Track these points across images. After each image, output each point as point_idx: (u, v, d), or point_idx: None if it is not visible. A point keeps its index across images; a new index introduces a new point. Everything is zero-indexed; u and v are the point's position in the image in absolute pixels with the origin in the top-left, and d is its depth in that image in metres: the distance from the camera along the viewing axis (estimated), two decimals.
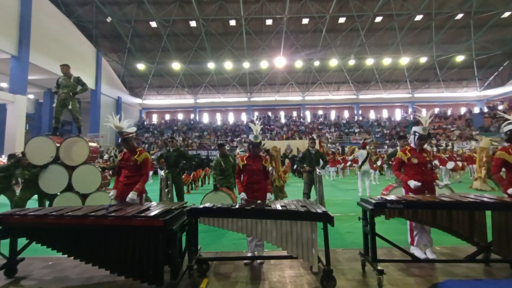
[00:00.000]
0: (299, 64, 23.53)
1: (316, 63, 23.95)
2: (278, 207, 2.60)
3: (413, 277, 2.56)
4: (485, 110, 25.65)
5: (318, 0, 18.74)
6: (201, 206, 2.70)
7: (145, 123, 28.03)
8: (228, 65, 23.15)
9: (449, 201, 2.49)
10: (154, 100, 29.11)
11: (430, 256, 2.89)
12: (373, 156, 8.53)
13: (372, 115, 28.97)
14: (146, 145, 22.55)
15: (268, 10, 19.42)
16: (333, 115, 29.10)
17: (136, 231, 2.32)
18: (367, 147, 8.60)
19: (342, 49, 23.19)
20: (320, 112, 29.28)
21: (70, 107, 5.12)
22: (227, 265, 2.96)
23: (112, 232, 2.37)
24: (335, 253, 3.12)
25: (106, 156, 13.03)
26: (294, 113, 29.12)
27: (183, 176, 6.90)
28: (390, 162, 5.98)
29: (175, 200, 5.36)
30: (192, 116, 29.31)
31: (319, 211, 2.44)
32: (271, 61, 23.26)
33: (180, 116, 29.79)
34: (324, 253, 2.43)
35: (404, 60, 22.77)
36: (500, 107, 24.26)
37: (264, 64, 23.15)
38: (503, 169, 3.03)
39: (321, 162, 5.38)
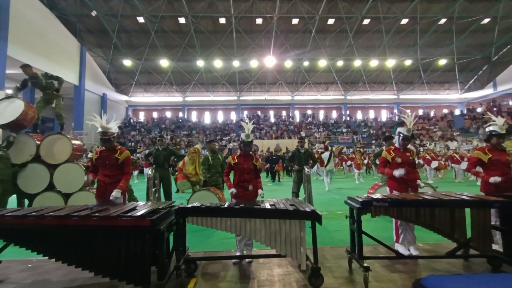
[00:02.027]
0: (288, 63, 23.68)
1: (306, 63, 24.17)
2: (267, 206, 2.61)
3: (397, 273, 2.64)
4: (466, 112, 26.80)
5: (308, 1, 18.89)
6: (190, 205, 2.66)
7: (132, 121, 27.38)
8: (218, 63, 22.98)
9: (432, 199, 2.58)
10: (141, 98, 28.47)
11: (414, 252, 2.98)
12: (334, 158, 9.32)
13: (359, 115, 29.59)
14: (132, 144, 22.03)
15: (258, 9, 19.39)
16: (321, 115, 29.49)
17: (122, 232, 2.26)
18: (329, 148, 9.92)
19: (331, 50, 23.52)
20: (309, 112, 29.61)
21: (53, 104, 4.94)
22: (215, 264, 2.95)
23: (96, 232, 2.29)
24: (323, 251, 3.17)
25: (90, 155, 12.50)
26: (284, 113, 29.30)
27: (177, 173, 6.77)
28: (376, 162, 6.15)
29: (163, 199, 5.28)
30: (180, 114, 28.90)
31: (307, 209, 2.46)
32: (261, 60, 23.27)
33: (168, 114, 29.29)
34: (312, 251, 2.47)
35: (390, 62, 23.39)
36: (479, 109, 25.40)
37: (254, 63, 23.13)
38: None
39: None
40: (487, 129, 3.26)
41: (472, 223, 2.56)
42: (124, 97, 27.56)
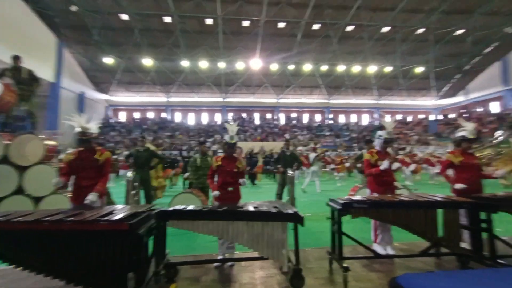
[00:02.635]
0: (274, 66, 23.89)
1: (291, 67, 24.51)
2: (251, 208, 2.61)
3: (375, 273, 2.72)
4: (440, 117, 28.32)
5: (295, 6, 19.21)
6: (171, 208, 2.61)
7: (112, 121, 26.42)
8: (203, 64, 22.75)
9: (408, 201, 2.70)
10: (123, 97, 27.54)
11: (390, 252, 3.09)
12: (319, 160, 9.49)
13: (342, 119, 30.38)
14: (112, 144, 21.25)
15: (245, 12, 19.45)
16: (305, 118, 29.99)
17: (98, 237, 2.16)
18: (317, 150, 10.14)
19: (316, 54, 24.01)
20: (294, 114, 30.00)
21: (26, 102, 4.66)
22: (196, 269, 2.90)
23: (69, 238, 2.18)
24: (304, 253, 3.21)
25: (61, 156, 11.66)
26: (268, 115, 29.49)
27: (162, 172, 6.60)
28: (358, 165, 6.35)
29: (143, 203, 5.12)
30: (163, 115, 28.27)
31: (290, 211, 2.49)
32: (247, 62, 23.32)
33: (151, 115, 28.54)
34: (294, 253, 2.49)
35: (372, 68, 24.23)
36: (452, 115, 26.94)
37: (240, 65, 23.13)
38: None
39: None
40: (457, 134, 3.45)
41: (444, 222, 2.70)
42: (104, 96, 26.55)
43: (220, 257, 3.00)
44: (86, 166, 2.89)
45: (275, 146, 20.31)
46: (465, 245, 2.93)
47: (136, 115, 28.46)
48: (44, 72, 17.59)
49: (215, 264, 2.93)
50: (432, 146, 21.89)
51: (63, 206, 3.39)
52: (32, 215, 2.33)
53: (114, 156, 13.75)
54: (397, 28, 21.19)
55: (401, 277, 2.02)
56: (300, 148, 15.14)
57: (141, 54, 22.34)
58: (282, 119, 29.16)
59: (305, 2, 18.64)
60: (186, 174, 7.19)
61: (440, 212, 2.70)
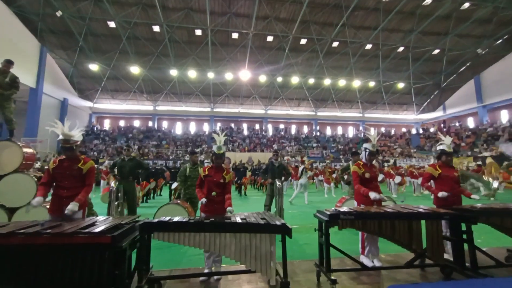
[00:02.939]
0: (263, 78, 24.31)
1: (279, 79, 25.02)
2: (238, 220, 2.57)
3: (362, 285, 2.73)
4: (421, 131, 29.61)
5: (283, 21, 19.85)
6: (156, 220, 2.52)
7: (96, 129, 25.63)
8: (192, 73, 22.79)
9: (392, 212, 2.76)
10: (108, 105, 26.89)
11: (377, 264, 3.12)
12: (307, 172, 9.49)
13: (328, 131, 31.06)
14: (95, 153, 20.54)
15: (234, 24, 19.87)
16: (293, 129, 30.42)
17: (78, 251, 2.05)
18: (305, 162, 10.17)
19: (303, 68, 24.72)
20: (282, 126, 30.37)
21: (2, 107, 4.45)
22: (182, 283, 2.79)
23: (47, 252, 2.05)
24: (292, 265, 3.17)
25: (38, 165, 10.93)
26: (257, 126, 29.69)
27: (142, 183, 6.40)
28: (344, 176, 6.45)
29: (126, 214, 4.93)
30: (150, 123, 27.79)
31: (278, 223, 2.47)
32: (236, 73, 23.60)
33: (137, 123, 27.98)
34: (282, 265, 2.46)
35: (356, 83, 25.17)
36: (432, 129, 28.25)
37: (228, 76, 23.36)
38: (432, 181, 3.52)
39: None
40: (438, 148, 3.62)
41: (427, 234, 2.77)
42: (88, 103, 25.83)
43: (206, 270, 2.91)
44: (67, 175, 2.76)
45: (263, 157, 20.37)
46: (448, 256, 3.01)
47: (122, 123, 27.81)
48: (25, 77, 16.98)
49: (201, 278, 2.84)
50: (415, 158, 22.73)
51: (41, 217, 3.20)
52: (6, 227, 2.19)
53: (101, 166, 13.27)
54: (379, 45, 22.31)
55: None
56: (287, 157, 15.25)
57: (128, 62, 22.10)
58: (270, 130, 29.42)
59: (293, 17, 19.34)
60: (174, 185, 7.02)
61: (423, 223, 2.78)
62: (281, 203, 4.89)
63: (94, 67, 21.73)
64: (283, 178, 5.44)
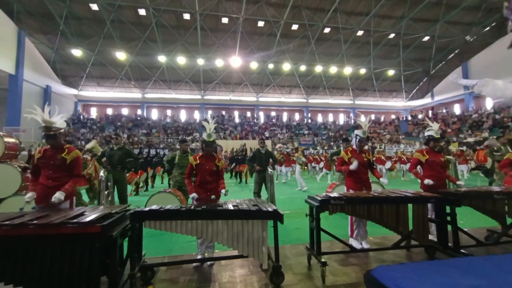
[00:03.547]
0: (254, 65, 23.91)
1: (271, 66, 24.68)
2: (230, 206, 2.58)
3: (351, 266, 2.83)
4: (409, 118, 30.18)
5: (274, 5, 19.33)
6: (147, 208, 2.50)
7: (82, 117, 24.87)
8: (181, 60, 22.14)
9: (381, 197, 2.83)
10: (94, 92, 26.00)
11: (365, 246, 3.23)
12: (300, 158, 9.77)
13: (319, 118, 31.23)
14: (83, 142, 20.02)
15: (224, 9, 19.21)
16: (285, 117, 30.41)
17: (66, 241, 2.02)
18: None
19: (294, 54, 24.40)
20: (273, 113, 30.29)
21: None
22: (175, 270, 2.82)
23: (34, 243, 2.01)
24: (284, 249, 3.25)
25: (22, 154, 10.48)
26: (248, 113, 29.50)
27: (128, 175, 6.32)
28: (334, 159, 6.59)
29: (117, 204, 4.88)
30: (139, 111, 27.15)
31: (269, 209, 2.50)
32: (226, 59, 23.09)
33: (125, 111, 27.27)
34: (274, 250, 2.51)
35: (348, 70, 25.13)
36: (420, 116, 28.83)
37: (219, 62, 22.84)
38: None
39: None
40: (425, 134, 3.70)
41: (413, 216, 2.87)
42: (72, 91, 24.89)
43: (199, 256, 2.95)
44: (51, 165, 2.67)
45: (254, 145, 20.37)
46: (432, 237, 3.15)
47: (109, 111, 27.05)
48: (3, 63, 16.13)
49: (194, 264, 2.87)
50: (403, 144, 23.27)
51: (27, 208, 3.12)
52: None
53: (85, 156, 12.93)
54: (370, 32, 22.17)
55: (374, 270, 2.13)
56: (279, 145, 15.25)
57: (114, 47, 21.20)
58: (262, 117, 29.31)
59: (284, 2, 18.85)
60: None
61: (410, 207, 2.87)
62: (272, 189, 4.94)
63: (77, 52, 20.77)
64: (270, 165, 5.47)
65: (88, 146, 6.69)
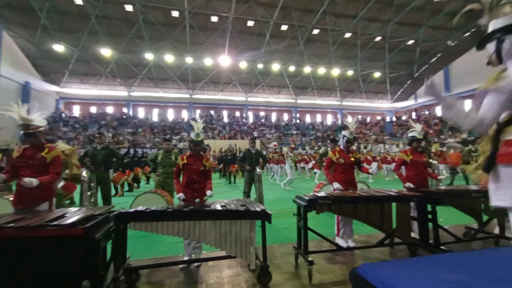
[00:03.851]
0: (243, 65, 23.86)
1: (260, 66, 24.72)
2: (218, 207, 2.56)
3: (337, 265, 2.88)
4: (394, 119, 31.07)
5: (263, 5, 19.36)
6: (132, 210, 2.44)
7: (64, 115, 23.95)
8: (169, 58, 21.77)
9: (366, 196, 2.89)
10: (77, 89, 25.10)
11: (351, 244, 3.30)
12: (292, 157, 9.95)
13: (308, 118, 31.58)
14: (65, 141, 19.30)
15: (214, 7, 19.05)
16: (274, 117, 30.54)
17: (46, 244, 1.93)
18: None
19: (284, 55, 24.55)
20: (262, 113, 30.35)
21: None
22: (161, 271, 2.76)
23: (11, 247, 1.91)
24: (271, 249, 3.26)
25: None
26: (237, 113, 29.41)
27: (114, 174, 6.15)
28: (322, 161, 6.68)
29: (100, 205, 4.74)
30: (124, 110, 26.46)
31: (257, 209, 2.50)
32: (216, 59, 22.92)
33: (110, 110, 26.50)
34: (262, 250, 2.51)
35: (335, 71, 25.57)
36: (404, 117, 29.74)
37: (208, 61, 22.63)
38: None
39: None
40: (409, 135, 3.82)
41: (397, 215, 2.95)
42: (54, 88, 23.91)
43: (186, 258, 2.91)
44: (31, 164, 2.55)
45: (244, 144, 20.36)
46: (414, 234, 3.25)
47: (93, 109, 26.19)
48: None
49: (181, 265, 2.83)
50: (388, 145, 23.93)
51: (4, 211, 2.96)
52: None
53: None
54: (357, 34, 22.64)
55: (359, 268, 2.18)
56: (274, 143, 15.17)
57: (99, 44, 20.56)
58: (250, 117, 29.30)
59: (274, 2, 18.92)
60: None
61: (394, 205, 2.95)
62: (261, 189, 4.94)
63: (59, 48, 19.97)
64: (260, 165, 5.48)
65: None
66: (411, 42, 24.21)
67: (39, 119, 2.59)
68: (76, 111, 25.88)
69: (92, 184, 4.44)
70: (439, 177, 3.65)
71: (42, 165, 2.59)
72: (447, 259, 2.25)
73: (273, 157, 11.65)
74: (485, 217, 3.36)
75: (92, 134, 19.67)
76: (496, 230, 3.49)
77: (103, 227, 2.24)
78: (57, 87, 24.16)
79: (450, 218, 4.60)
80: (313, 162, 13.11)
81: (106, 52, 20.82)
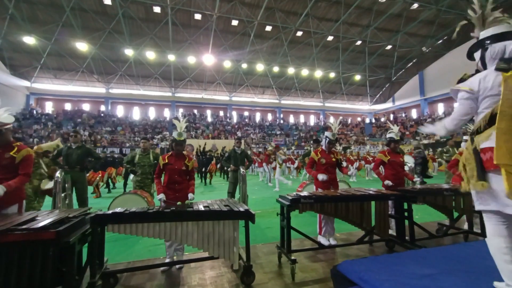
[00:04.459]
0: (227, 64, 23.70)
1: (244, 66, 24.67)
2: (201, 207, 2.52)
3: (319, 262, 2.94)
4: (373, 121, 32.30)
5: (248, 5, 19.34)
6: (110, 211, 2.34)
7: (35, 112, 22.52)
8: (150, 54, 21.13)
9: (347, 195, 2.98)
10: (50, 85, 23.69)
11: (333, 242, 3.38)
12: (280, 157, 10.04)
13: (291, 119, 32.00)
14: (36, 140, 18.16)
15: (197, 4, 18.75)
16: (258, 117, 30.63)
17: (14, 249, 1.80)
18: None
19: (268, 55, 24.70)
20: (246, 113, 30.34)
21: None
22: (141, 275, 2.68)
23: None
24: (255, 249, 3.26)
25: None
26: (221, 113, 29.18)
27: (88, 174, 5.87)
28: (305, 161, 6.80)
29: (76, 207, 4.51)
30: (102, 107, 25.36)
31: (241, 209, 2.49)
32: (199, 57, 22.57)
33: (86, 107, 25.30)
34: (245, 250, 2.51)
35: (318, 73, 26.11)
36: (382, 119, 31.01)
37: (191, 59, 22.24)
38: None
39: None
40: (387, 136, 3.98)
41: (376, 213, 3.06)
42: (24, 83, 22.41)
43: (167, 260, 2.83)
44: None
45: (228, 144, 20.23)
46: (391, 231, 3.40)
47: (68, 106, 24.86)
48: None
49: (162, 268, 2.75)
50: (367, 145, 24.81)
51: None
52: None
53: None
54: (339, 38, 23.28)
55: (340, 265, 2.24)
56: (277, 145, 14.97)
57: (74, 37, 19.51)
58: (234, 117, 29.18)
59: (258, 3, 18.98)
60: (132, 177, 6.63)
61: (373, 204, 3.06)
62: (245, 189, 4.94)
63: (30, 40, 18.70)
64: (245, 165, 5.48)
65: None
66: (389, 47, 25.29)
67: (4, 115, 2.41)
68: (49, 107, 24.44)
69: (66, 185, 4.21)
70: (414, 179, 3.84)
71: (10, 166, 2.41)
72: (421, 254, 2.37)
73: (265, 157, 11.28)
74: (456, 214, 3.57)
75: (67, 132, 18.66)
76: (465, 226, 3.73)
77: (78, 230, 2.13)
78: (27, 82, 22.68)
79: (425, 215, 4.87)
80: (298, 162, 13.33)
81: (82, 46, 19.78)
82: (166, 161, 3.00)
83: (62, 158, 4.58)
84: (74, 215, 2.26)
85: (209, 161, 11.73)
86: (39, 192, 4.29)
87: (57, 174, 4.02)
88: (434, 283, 1.74)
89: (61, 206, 3.93)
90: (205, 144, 13.21)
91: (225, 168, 8.90)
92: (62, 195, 3.98)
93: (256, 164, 12.35)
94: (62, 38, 19.68)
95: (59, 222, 2.04)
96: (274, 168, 13.48)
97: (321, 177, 3.49)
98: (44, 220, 2.03)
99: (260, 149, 19.28)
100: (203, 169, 11.42)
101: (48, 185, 4.29)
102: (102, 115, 24.27)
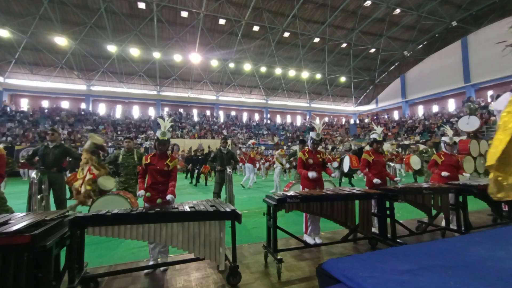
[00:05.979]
0: (214, 63, 23.47)
1: (231, 65, 24.54)
2: (187, 208, 2.48)
3: (305, 261, 2.97)
4: (357, 122, 33.14)
5: (235, 4, 19.26)
6: (90, 214, 2.25)
7: (9, 109, 21.27)
8: (134, 51, 20.53)
9: (332, 194, 3.03)
10: (25, 81, 22.46)
11: (318, 241, 3.43)
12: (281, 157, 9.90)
13: (278, 119, 32.20)
14: (9, 138, 17.18)
15: (184, 2, 18.43)
16: (245, 116, 30.58)
17: None
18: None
19: (255, 55, 24.71)
20: (233, 113, 30.20)
21: None
22: (123, 278, 2.59)
23: None
24: (241, 249, 3.26)
25: None
26: (208, 112, 28.88)
27: (69, 175, 5.60)
28: (291, 160, 6.86)
29: (53, 209, 4.29)
30: (83, 105, 24.36)
31: (227, 209, 2.47)
32: (185, 55, 22.21)
33: (66, 105, 24.20)
34: (231, 250, 2.49)
35: (305, 74, 26.44)
36: (366, 120, 31.89)
37: (177, 58, 21.83)
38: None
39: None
40: (371, 136, 4.09)
41: (359, 212, 3.14)
42: None
43: (151, 262, 2.76)
44: None
45: (214, 144, 20.06)
46: (374, 229, 3.49)
47: (45, 104, 23.67)
48: None
49: (146, 271, 2.68)
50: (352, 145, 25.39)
51: None
52: None
53: (23, 153, 11.10)
54: (325, 40, 23.71)
55: (325, 263, 2.28)
56: (252, 141, 14.69)
57: (52, 31, 18.61)
58: (221, 116, 28.97)
59: (246, 2, 18.95)
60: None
61: (357, 203, 3.14)
62: (231, 189, 4.91)
63: (3, 33, 17.63)
64: (232, 164, 5.45)
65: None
66: (372, 50, 26.04)
67: None
68: (25, 105, 23.17)
69: (43, 186, 4.01)
70: (396, 179, 3.95)
71: None
72: (402, 251, 2.46)
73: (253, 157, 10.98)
74: (434, 212, 3.73)
75: (44, 131, 17.78)
76: (443, 223, 3.91)
77: (56, 234, 2.03)
78: (1, 77, 21.39)
79: (406, 213, 5.05)
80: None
81: (61, 41, 18.88)
82: (148, 161, 2.92)
83: (39, 158, 4.36)
84: (51, 217, 2.15)
85: (202, 162, 10.99)
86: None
87: (33, 175, 3.82)
88: (414, 278, 1.81)
89: (37, 208, 3.74)
90: (203, 149, 12.87)
91: (212, 168, 8.74)
92: (38, 197, 3.79)
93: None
94: (39, 31, 18.71)
95: (35, 225, 1.94)
96: (268, 168, 13.47)
97: (311, 174, 3.52)
98: (18, 223, 1.92)
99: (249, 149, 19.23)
100: (196, 171, 11.00)
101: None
102: (82, 113, 23.32)
